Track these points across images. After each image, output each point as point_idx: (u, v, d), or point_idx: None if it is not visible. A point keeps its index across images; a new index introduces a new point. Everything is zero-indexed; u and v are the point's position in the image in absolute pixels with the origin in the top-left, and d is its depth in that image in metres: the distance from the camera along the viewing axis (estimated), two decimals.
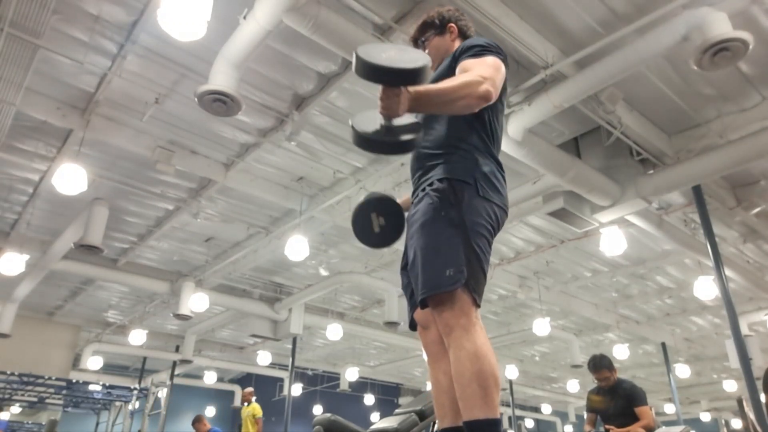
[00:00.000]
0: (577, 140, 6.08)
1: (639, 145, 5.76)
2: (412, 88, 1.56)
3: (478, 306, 1.70)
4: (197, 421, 7.97)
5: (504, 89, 1.95)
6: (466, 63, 1.82)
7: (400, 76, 1.52)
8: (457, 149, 1.84)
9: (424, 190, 1.84)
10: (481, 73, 1.71)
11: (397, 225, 2.03)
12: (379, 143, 1.64)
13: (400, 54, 1.56)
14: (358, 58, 1.52)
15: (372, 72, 1.52)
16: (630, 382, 4.53)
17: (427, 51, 2.15)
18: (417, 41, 2.21)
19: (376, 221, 2.01)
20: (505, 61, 1.89)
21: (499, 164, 1.90)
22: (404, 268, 1.94)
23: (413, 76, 1.53)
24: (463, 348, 1.62)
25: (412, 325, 1.99)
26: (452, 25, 2.15)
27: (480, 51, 1.86)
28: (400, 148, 1.69)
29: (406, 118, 1.64)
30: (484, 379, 1.59)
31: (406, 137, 1.63)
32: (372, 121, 1.62)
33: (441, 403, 1.85)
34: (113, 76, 5.08)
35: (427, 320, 1.90)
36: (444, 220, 1.73)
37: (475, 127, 1.88)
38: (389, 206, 2.05)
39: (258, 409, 8.06)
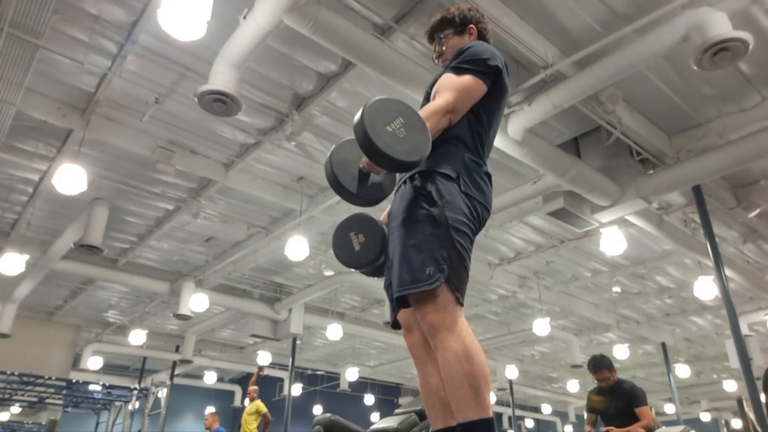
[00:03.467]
0: (577, 140, 6.08)
1: (639, 145, 5.76)
2: None
3: (461, 305, 1.68)
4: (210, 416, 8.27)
5: (501, 95, 1.96)
6: (444, 81, 1.88)
7: (394, 164, 1.58)
8: (447, 143, 1.84)
9: (405, 182, 1.84)
10: (448, 99, 1.80)
11: (377, 239, 1.97)
12: (346, 192, 1.72)
13: (406, 132, 1.58)
14: (364, 126, 1.53)
15: (373, 155, 1.56)
16: (630, 382, 4.53)
17: (443, 49, 2.14)
18: (433, 37, 2.18)
19: (356, 239, 1.99)
20: (493, 71, 1.89)
21: (485, 165, 1.90)
22: (389, 266, 1.91)
23: (403, 167, 1.60)
24: (451, 349, 1.60)
25: (395, 325, 1.97)
26: (473, 26, 2.13)
27: (464, 67, 1.87)
28: (365, 201, 1.78)
29: (381, 177, 1.79)
30: (475, 380, 1.57)
31: (374, 196, 1.77)
32: (351, 163, 1.73)
33: (431, 404, 1.82)
34: (113, 76, 5.08)
35: (410, 322, 1.87)
36: (425, 216, 1.70)
37: (471, 125, 1.87)
38: (367, 223, 2.02)
39: (261, 405, 8.06)
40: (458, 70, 1.87)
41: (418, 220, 1.71)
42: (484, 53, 1.90)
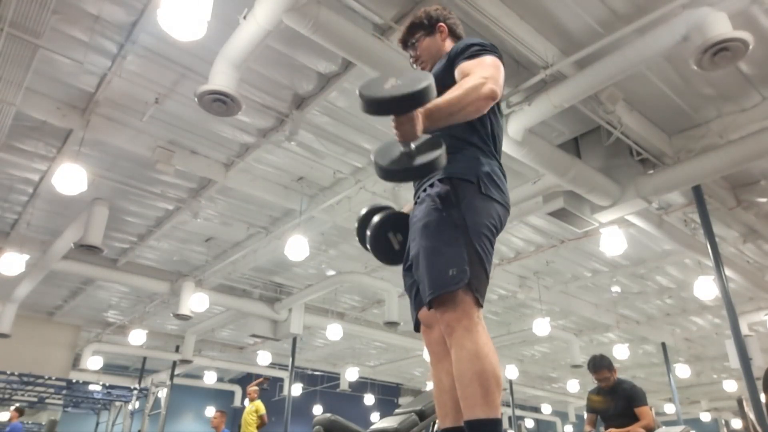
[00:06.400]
0: (577, 140, 6.08)
1: (639, 145, 5.76)
2: (422, 108, 1.56)
3: (480, 306, 1.70)
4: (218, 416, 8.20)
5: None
6: (465, 66, 1.82)
7: (408, 101, 1.50)
8: (459, 149, 1.85)
9: (425, 190, 1.85)
10: (483, 74, 1.72)
11: None
12: (404, 171, 1.60)
13: (401, 80, 1.55)
14: (362, 96, 1.51)
15: (379, 106, 1.52)
16: (630, 382, 4.53)
17: (418, 53, 2.15)
18: (406, 43, 2.19)
19: (395, 239, 2.00)
20: (501, 59, 1.89)
21: (499, 163, 1.92)
22: (407, 269, 1.94)
23: (421, 97, 1.51)
24: (465, 348, 1.63)
25: (418, 327, 1.99)
26: (442, 24, 2.13)
27: (477, 51, 1.86)
28: (427, 169, 1.63)
29: (424, 138, 1.62)
30: (486, 379, 1.59)
31: (430, 156, 1.59)
32: (392, 150, 1.62)
33: (443, 402, 1.85)
34: (113, 76, 5.08)
35: (431, 320, 1.90)
36: (445, 220, 1.73)
37: (475, 128, 1.88)
38: (402, 221, 2.01)
39: (261, 406, 8.07)
40: (475, 55, 1.84)
41: (439, 225, 1.74)
42: (487, 41, 1.91)
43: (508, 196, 1.89)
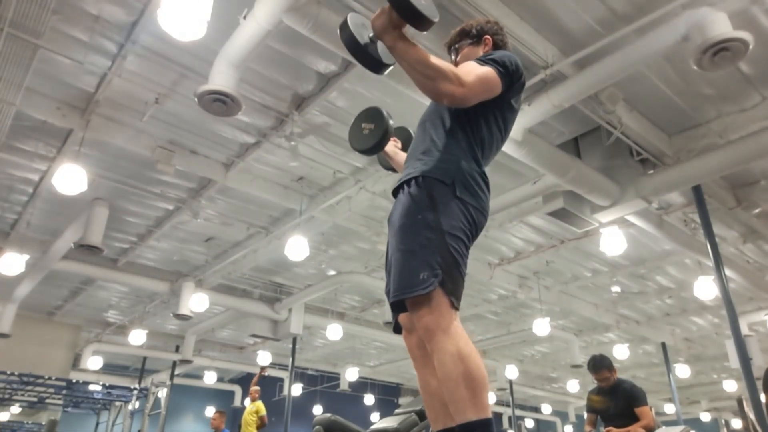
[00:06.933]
0: (577, 140, 6.08)
1: (639, 145, 5.76)
2: (405, 35, 1.70)
3: (456, 309, 1.70)
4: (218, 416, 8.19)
5: (508, 105, 1.96)
6: (469, 62, 1.87)
7: (408, 10, 1.64)
8: (442, 150, 1.86)
9: (403, 188, 1.86)
10: (462, 75, 1.74)
11: (382, 126, 2.26)
12: (353, 42, 1.79)
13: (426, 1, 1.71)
14: None
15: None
16: (630, 382, 4.53)
17: (458, 59, 2.17)
18: (450, 47, 2.23)
19: (367, 126, 2.31)
20: (511, 79, 1.89)
21: (482, 170, 1.91)
22: (389, 271, 1.92)
23: (410, 11, 1.64)
24: (447, 351, 1.62)
25: (397, 329, 1.98)
26: (488, 37, 2.16)
27: (488, 60, 1.88)
28: (365, 60, 1.83)
29: (387, 53, 1.83)
30: (471, 380, 1.58)
31: (375, 56, 1.82)
32: (364, 27, 1.84)
33: (431, 406, 1.85)
34: (113, 76, 5.08)
35: (412, 324, 1.89)
36: (420, 222, 1.73)
37: (466, 131, 1.89)
38: (376, 113, 2.31)
39: (261, 407, 8.07)
40: (484, 62, 1.88)
41: (414, 226, 1.74)
42: (510, 59, 1.91)
43: (486, 203, 1.88)
